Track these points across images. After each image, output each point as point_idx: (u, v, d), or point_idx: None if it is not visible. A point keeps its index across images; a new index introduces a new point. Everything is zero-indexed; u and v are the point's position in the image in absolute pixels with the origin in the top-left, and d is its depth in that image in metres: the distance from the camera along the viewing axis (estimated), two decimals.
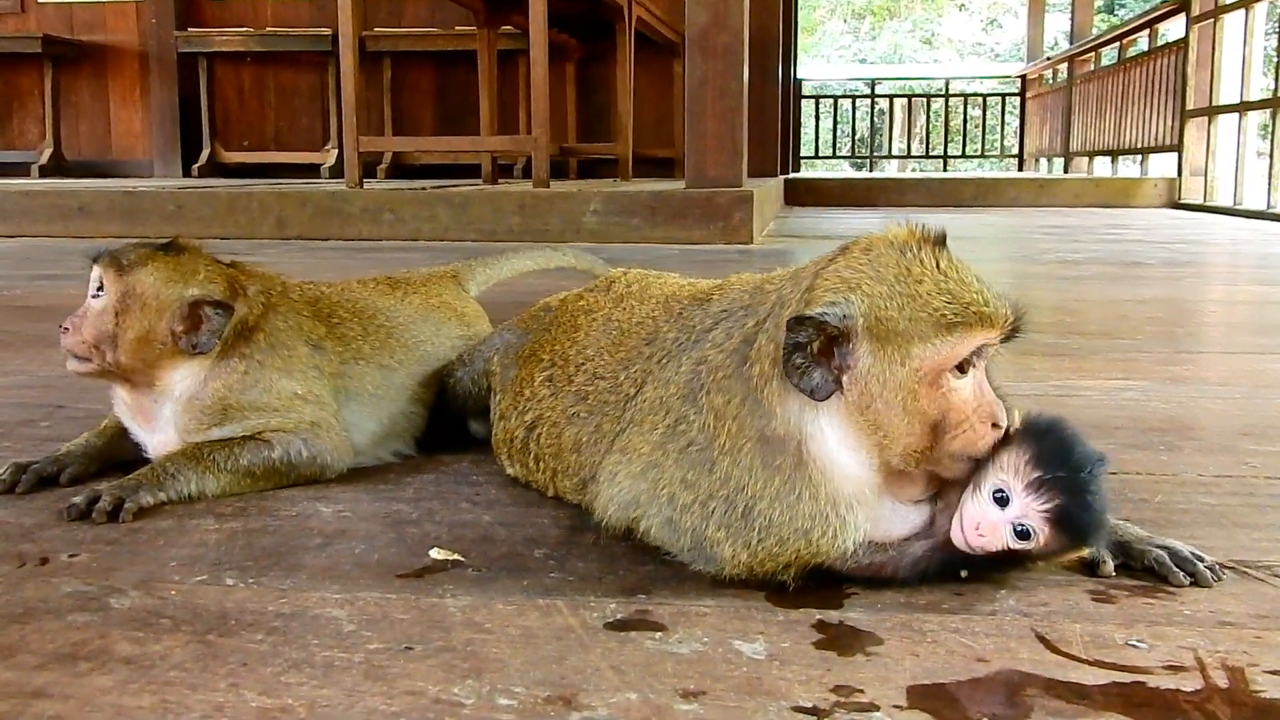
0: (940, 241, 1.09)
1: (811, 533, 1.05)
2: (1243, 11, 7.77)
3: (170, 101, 9.67)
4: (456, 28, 9.01)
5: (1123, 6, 24.26)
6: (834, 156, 15.65)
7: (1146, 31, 9.90)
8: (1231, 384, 2.07)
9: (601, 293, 1.46)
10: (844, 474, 1.06)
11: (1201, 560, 1.11)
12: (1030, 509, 1.04)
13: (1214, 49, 8.22)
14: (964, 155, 15.36)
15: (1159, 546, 1.13)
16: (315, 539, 1.20)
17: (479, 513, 1.30)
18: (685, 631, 0.98)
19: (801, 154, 14.47)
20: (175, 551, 1.15)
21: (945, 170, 15.32)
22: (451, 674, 0.89)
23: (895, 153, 17.15)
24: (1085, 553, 1.10)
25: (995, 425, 1.07)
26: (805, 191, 9.94)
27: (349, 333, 1.54)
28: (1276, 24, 7.31)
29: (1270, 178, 7.31)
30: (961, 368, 1.05)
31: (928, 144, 15.44)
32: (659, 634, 0.97)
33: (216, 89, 9.92)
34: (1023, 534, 1.04)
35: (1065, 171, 12.28)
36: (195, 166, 9.66)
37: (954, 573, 1.08)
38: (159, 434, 1.40)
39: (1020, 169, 14.36)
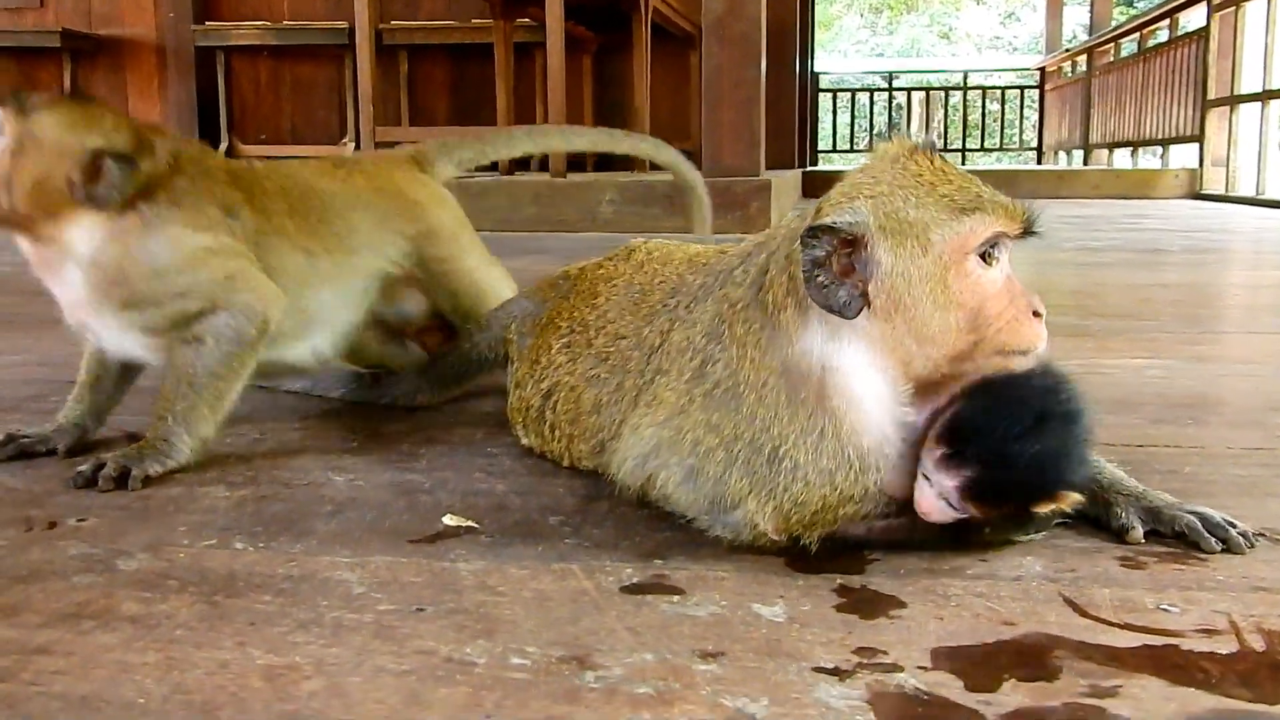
0: (931, 147, 1.07)
1: (835, 475, 1.02)
2: (1265, 0, 7.69)
3: (188, 95, 9.68)
4: (473, 20, 8.98)
5: None
6: (852, 150, 15.58)
7: (1167, 22, 9.82)
8: (1257, 362, 2.04)
9: (621, 261, 1.43)
10: (869, 405, 1.03)
11: (1234, 526, 1.09)
12: (944, 487, 1.01)
13: (1235, 37, 8.14)
14: (983, 149, 15.28)
15: (1190, 512, 1.10)
16: (326, 506, 1.18)
17: (493, 482, 1.28)
18: (703, 595, 0.95)
19: (819, 148, 14.42)
20: (185, 517, 1.14)
21: (964, 164, 15.25)
22: (463, 634, 0.87)
23: None
24: (1069, 501, 1.03)
25: (1037, 314, 1.04)
26: (823, 185, 9.79)
27: (271, 207, 1.43)
28: None
29: None
30: (985, 258, 1.02)
31: (945, 137, 15.34)
32: (676, 597, 0.95)
33: (234, 82, 9.93)
34: (955, 507, 1.01)
35: (1085, 164, 12.20)
36: None
37: (978, 530, 1.05)
38: (70, 293, 1.33)
39: (1039, 162, 14.27)
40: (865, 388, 1.03)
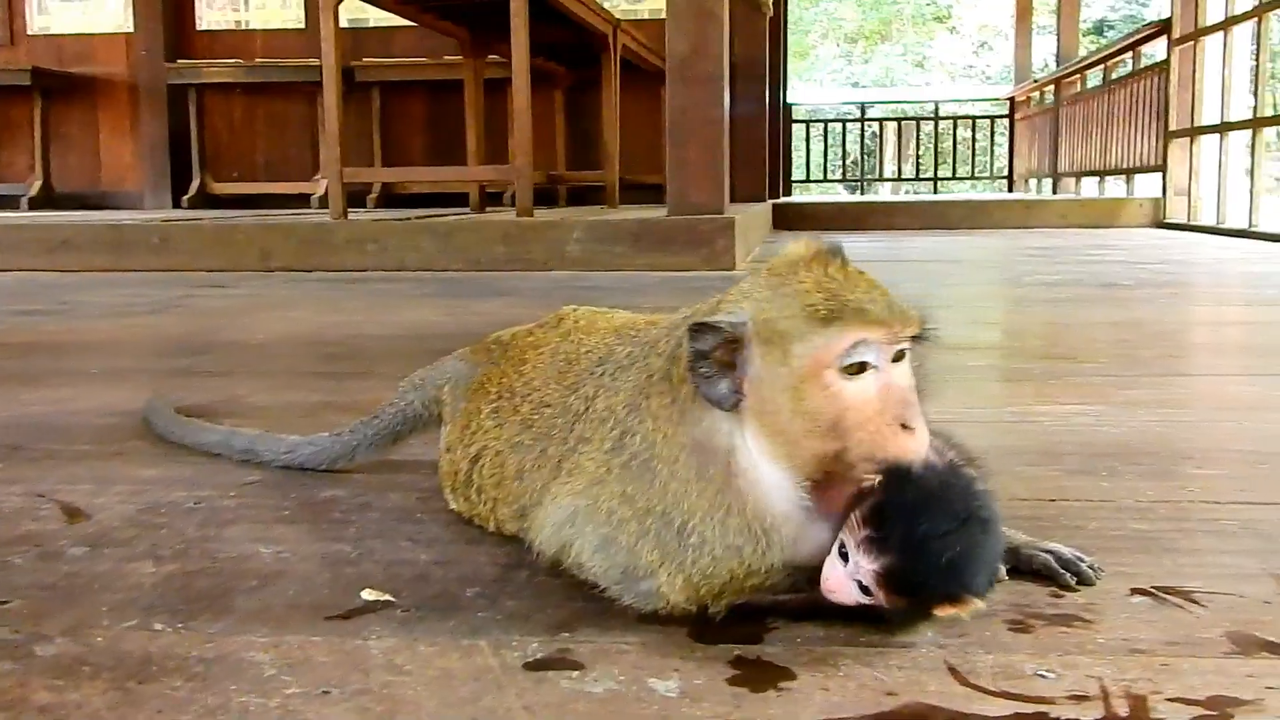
0: (835, 253, 1.10)
1: (743, 549, 1.06)
2: (1222, 34, 7.82)
3: (160, 133, 9.73)
4: (445, 57, 9.08)
5: (1111, 28, 24.39)
6: (825, 180, 15.70)
7: (1130, 54, 9.97)
8: (1185, 407, 2.09)
9: (550, 328, 1.47)
10: (768, 487, 1.07)
11: (1083, 561, 1.19)
12: (861, 568, 1.02)
13: (1195, 70, 8.28)
14: (955, 177, 15.43)
15: (1045, 550, 1.20)
16: (251, 581, 1.22)
17: (418, 551, 1.32)
18: (602, 670, 0.99)
19: (794, 178, 14.53)
20: (109, 596, 1.17)
21: (936, 192, 15.38)
22: (366, 716, 0.90)
23: (888, 175, 17.22)
24: (970, 608, 1.03)
25: (906, 427, 1.04)
26: (794, 216, 9.98)
27: None
28: (1254, 45, 7.35)
29: (1252, 197, 7.35)
30: (851, 369, 1.03)
31: (918, 167, 15.49)
32: (576, 673, 0.98)
33: (206, 120, 9.99)
34: (866, 590, 1.03)
35: (1054, 192, 12.33)
36: (185, 198, 9.71)
37: (878, 620, 1.08)
38: None
39: (1010, 190, 14.42)
40: (765, 470, 1.08)
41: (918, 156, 16.17)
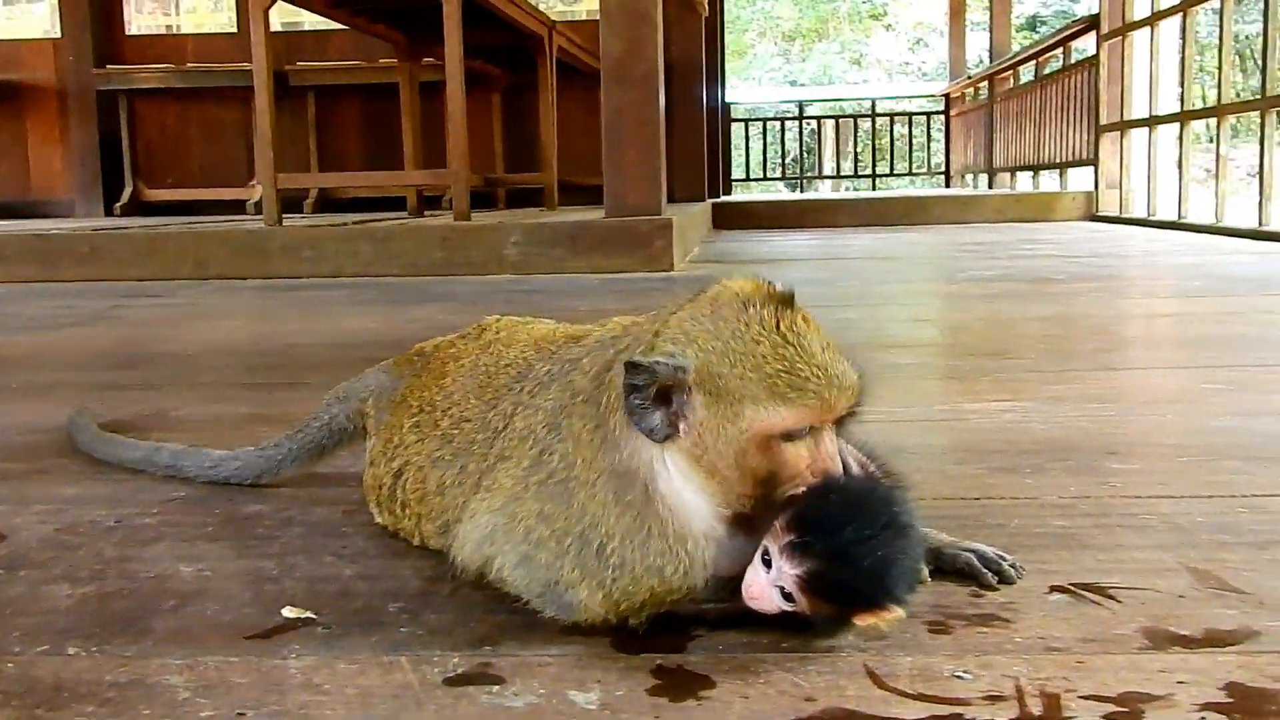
0: (787, 300, 1.08)
1: (664, 569, 1.07)
2: (1149, 29, 7.95)
3: (90, 140, 9.57)
4: (380, 60, 9.01)
5: (1044, 23, 24.73)
6: (766, 178, 15.78)
7: (1061, 49, 10.11)
8: (1110, 401, 2.12)
9: (471, 340, 1.47)
10: (690, 511, 1.08)
11: (1004, 559, 1.21)
12: (784, 574, 1.03)
13: (1123, 65, 8.41)
14: (893, 173, 15.56)
15: (966, 550, 1.22)
16: (170, 601, 1.20)
17: (341, 567, 1.30)
18: (523, 683, 0.99)
19: (734, 177, 14.58)
20: (23, 621, 1.15)
21: (875, 189, 15.51)
22: None
23: (827, 173, 17.33)
24: (891, 616, 1.03)
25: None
26: (734, 215, 10.02)
27: None
28: (1181, 39, 7.48)
29: (1180, 189, 7.48)
30: (791, 436, 1.05)
31: (856, 163, 15.62)
32: (496, 687, 0.98)
33: (138, 126, 9.84)
34: (788, 597, 1.04)
35: (990, 186, 12.48)
36: (118, 205, 9.57)
37: (802, 628, 1.08)
38: None
39: (947, 185, 14.57)
40: (687, 495, 1.08)
41: (856, 153, 16.27)
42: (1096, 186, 9.10)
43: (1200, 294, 4.02)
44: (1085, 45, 9.55)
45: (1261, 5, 6.48)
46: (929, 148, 15.26)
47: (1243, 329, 3.05)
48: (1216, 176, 7.16)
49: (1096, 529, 1.37)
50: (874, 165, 15.80)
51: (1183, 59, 7.52)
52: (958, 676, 0.98)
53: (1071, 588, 1.18)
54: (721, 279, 1.12)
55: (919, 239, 7.69)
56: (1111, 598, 1.15)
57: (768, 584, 1.05)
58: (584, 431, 1.12)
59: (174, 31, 9.91)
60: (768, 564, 1.05)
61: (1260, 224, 6.47)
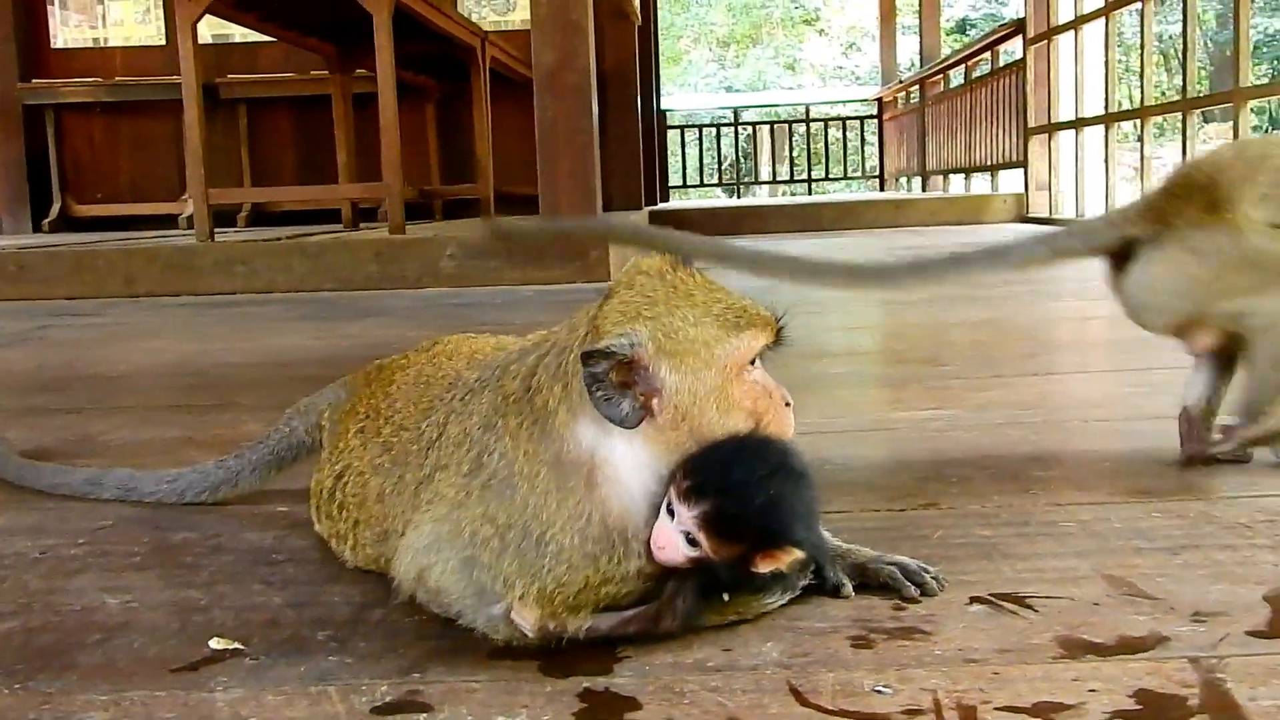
0: (687, 262, 1.19)
1: (599, 559, 1.11)
2: (1073, 32, 8.10)
3: (16, 155, 9.40)
4: (313, 72, 8.94)
5: (973, 26, 25.09)
6: (703, 185, 15.86)
7: (989, 54, 10.26)
8: (1035, 407, 2.17)
9: (422, 352, 1.50)
10: (634, 495, 1.12)
11: (927, 572, 1.24)
12: (683, 516, 1.08)
13: (1050, 69, 8.56)
14: (829, 177, 15.70)
15: (889, 563, 1.25)
16: (95, 634, 1.19)
17: (271, 594, 1.30)
18: (451, 711, 0.99)
19: (672, 184, 14.64)
20: None
21: (811, 193, 15.64)
22: None
23: (764, 178, 17.45)
24: (795, 555, 1.12)
25: (788, 403, 1.17)
26: (670, 223, 10.04)
27: None
28: (1104, 42, 7.63)
29: (1108, 189, 7.62)
30: (751, 363, 1.15)
31: (792, 168, 15.74)
32: (424, 715, 0.99)
33: (66, 141, 9.69)
34: (692, 541, 1.09)
35: (923, 189, 12.63)
36: (46, 221, 9.41)
37: (716, 596, 1.12)
38: None
39: (882, 188, 14.73)
40: (632, 480, 1.12)
41: (792, 158, 16.40)
42: (1026, 189, 9.25)
43: None
44: (1013, 49, 9.71)
45: (1181, 6, 6.63)
46: (863, 152, 15.42)
47: None
48: (1141, 176, 7.30)
49: (1017, 538, 1.40)
50: (810, 170, 15.94)
51: (1106, 61, 7.67)
52: (878, 691, 1.00)
53: (991, 598, 1.21)
54: (625, 269, 1.17)
55: (853, 243, 7.77)
56: (1029, 607, 1.18)
57: (673, 531, 1.10)
58: (520, 428, 1.15)
59: (101, 44, 9.78)
60: (671, 514, 1.10)
61: None
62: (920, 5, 13.67)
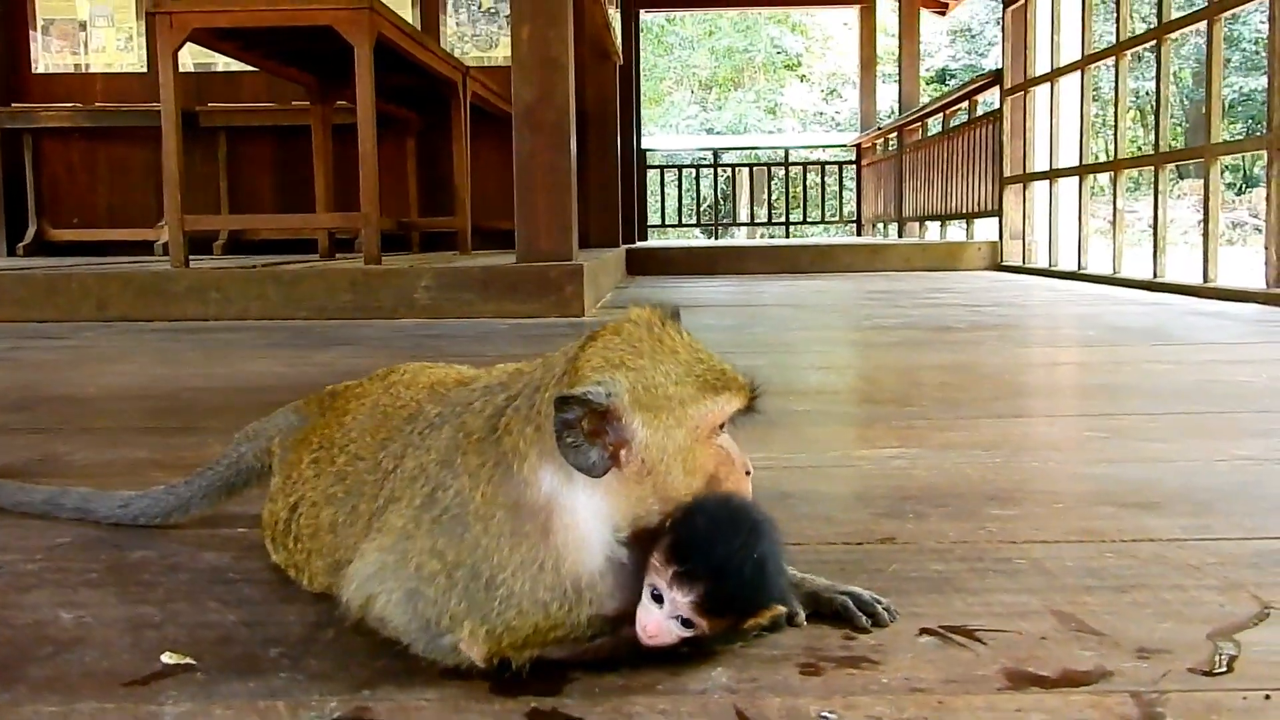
0: (677, 317, 1.20)
1: (550, 605, 1.10)
2: (1049, 84, 8.22)
3: None
4: (294, 103, 8.98)
5: (953, 76, 25.40)
6: (682, 225, 15.93)
7: (966, 103, 10.39)
8: (995, 448, 2.19)
9: (378, 380, 1.49)
10: (590, 545, 1.11)
11: (880, 603, 1.25)
12: (679, 603, 1.08)
13: (1025, 119, 8.67)
14: (806, 221, 15.81)
15: (842, 593, 1.26)
16: (47, 648, 1.19)
17: (225, 613, 1.30)
18: None
19: (651, 223, 14.70)
20: None
21: (789, 236, 15.74)
22: None
23: (742, 220, 17.55)
24: (780, 611, 1.14)
25: (748, 472, 1.18)
26: (649, 261, 10.10)
27: None
28: (1080, 94, 7.74)
29: (1080, 240, 7.71)
30: (721, 427, 1.15)
31: (770, 211, 15.84)
32: None
33: (44, 165, 9.68)
34: (686, 623, 1.08)
35: (899, 235, 12.74)
36: (21, 245, 9.38)
37: (674, 646, 1.12)
38: None
39: (859, 233, 14.84)
40: (590, 530, 1.12)
41: (770, 201, 16.51)
42: (1001, 237, 9.34)
43: (1093, 343, 4.15)
44: (991, 98, 9.83)
45: (1156, 63, 6.74)
46: (841, 196, 15.55)
47: (1128, 378, 3.16)
48: (1114, 228, 7.39)
49: (970, 573, 1.42)
50: (788, 213, 16.08)
51: (1082, 114, 7.78)
52: (823, 716, 1.01)
53: (940, 630, 1.22)
54: (615, 319, 1.17)
55: (829, 286, 7.82)
56: (978, 640, 1.20)
57: (664, 619, 1.09)
58: (482, 469, 1.14)
59: (82, 70, 9.79)
60: (658, 599, 1.09)
61: (1154, 275, 6.69)
62: (900, 54, 13.85)
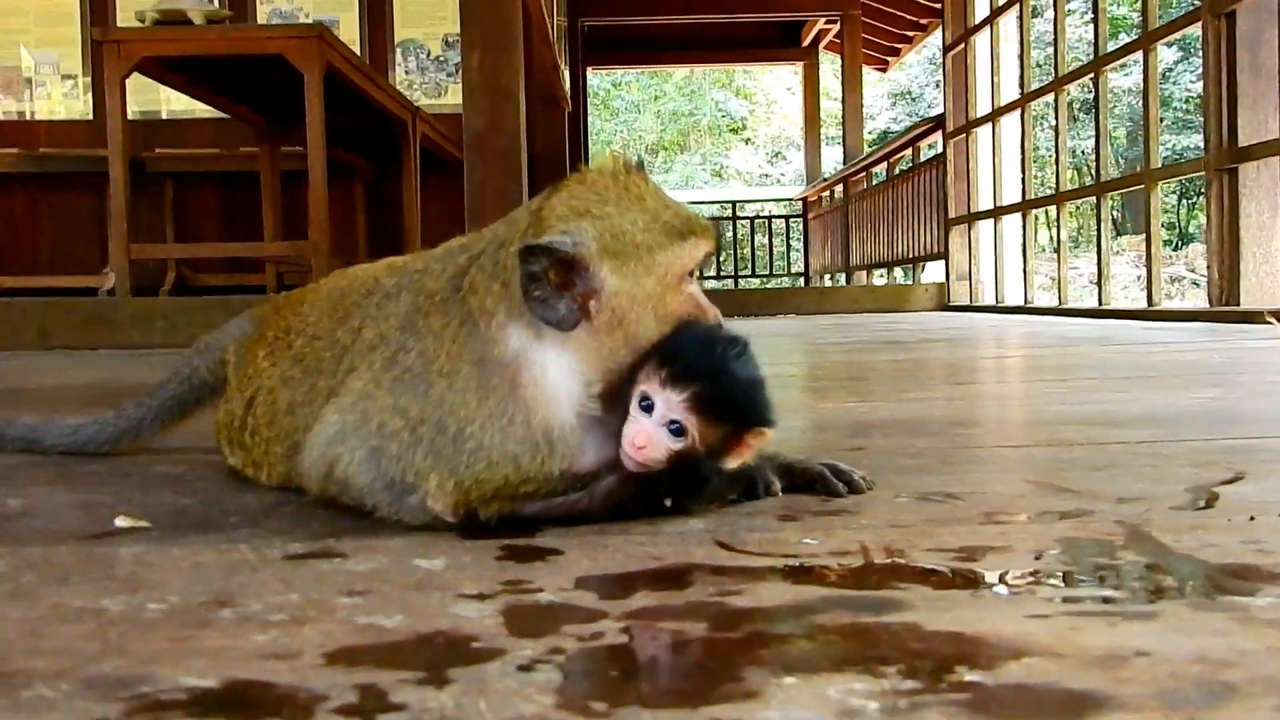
0: (641, 167, 1.17)
1: (520, 458, 1.06)
2: (990, 125, 8.37)
3: None
4: (241, 149, 8.92)
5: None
6: None
7: (909, 150, 10.55)
8: (954, 401, 2.19)
9: (336, 273, 1.45)
10: (561, 399, 1.08)
11: (855, 472, 1.23)
12: (672, 403, 1.06)
13: (969, 161, 8.81)
14: (755, 274, 15.93)
15: (819, 465, 1.23)
16: None
17: (180, 498, 1.26)
18: (366, 557, 0.96)
19: None
20: None
21: (736, 286, 15.85)
22: (103, 591, 0.85)
23: None
24: (769, 435, 1.13)
25: (718, 323, 1.15)
26: None
27: None
28: (1019, 130, 7.88)
29: (1025, 275, 7.81)
30: (690, 274, 1.12)
31: (718, 267, 15.92)
32: (338, 559, 0.95)
33: None
34: (677, 431, 1.06)
35: (847, 283, 12.85)
36: None
37: (655, 502, 1.08)
38: None
39: (806, 285, 14.96)
40: (559, 383, 1.08)
41: (719, 257, 16.65)
42: (948, 278, 9.44)
43: (1044, 345, 4.18)
44: (934, 144, 9.99)
45: (1093, 114, 6.88)
46: (789, 255, 15.72)
47: (1080, 361, 3.18)
48: (1059, 258, 7.50)
49: (943, 464, 1.40)
50: (736, 268, 16.19)
51: (1023, 150, 7.92)
52: (805, 542, 0.99)
53: (920, 495, 1.20)
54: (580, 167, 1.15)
55: (780, 325, 7.85)
56: (956, 499, 1.18)
57: (653, 425, 1.06)
58: (446, 329, 1.11)
59: (26, 117, 9.69)
60: (647, 409, 1.06)
61: (1100, 303, 6.78)
62: (844, 108, 14.06)
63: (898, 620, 0.74)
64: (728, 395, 1.07)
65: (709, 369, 1.06)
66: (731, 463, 1.09)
